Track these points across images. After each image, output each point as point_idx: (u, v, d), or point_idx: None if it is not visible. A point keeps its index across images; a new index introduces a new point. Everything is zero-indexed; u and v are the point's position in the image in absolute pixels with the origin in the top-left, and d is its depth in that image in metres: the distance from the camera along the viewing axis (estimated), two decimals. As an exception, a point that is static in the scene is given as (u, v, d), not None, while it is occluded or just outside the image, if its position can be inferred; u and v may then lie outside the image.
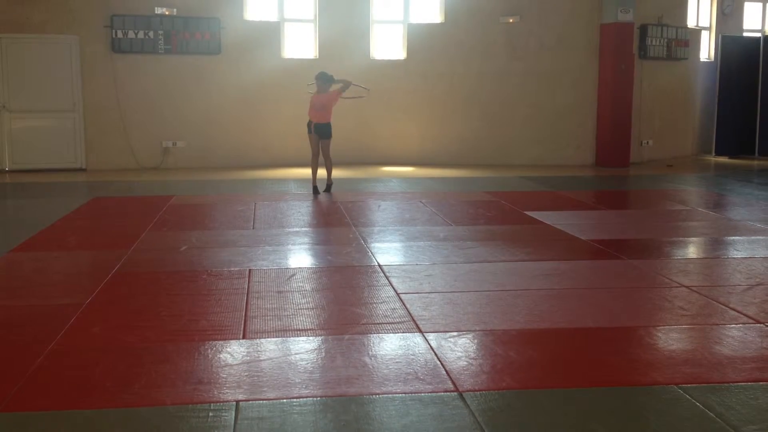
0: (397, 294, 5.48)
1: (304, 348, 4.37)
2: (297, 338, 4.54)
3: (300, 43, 14.29)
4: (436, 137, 14.44)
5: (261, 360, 4.18)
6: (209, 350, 4.32)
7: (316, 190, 10.51)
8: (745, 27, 16.79)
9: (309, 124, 10.47)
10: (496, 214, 9.13)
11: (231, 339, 4.51)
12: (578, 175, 13.11)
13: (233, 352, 4.31)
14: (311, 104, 10.47)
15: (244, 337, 4.54)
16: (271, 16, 14.04)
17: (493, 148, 14.47)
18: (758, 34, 16.44)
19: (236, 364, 4.11)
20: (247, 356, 4.24)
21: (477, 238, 7.56)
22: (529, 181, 12.13)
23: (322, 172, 10.67)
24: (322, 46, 14.14)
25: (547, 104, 14.43)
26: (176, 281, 5.87)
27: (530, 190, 11.31)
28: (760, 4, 16.92)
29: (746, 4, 16.78)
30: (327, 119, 10.43)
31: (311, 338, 4.54)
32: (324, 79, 10.45)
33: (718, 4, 16.46)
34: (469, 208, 9.53)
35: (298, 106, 13.91)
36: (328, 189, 10.61)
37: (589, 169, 14.02)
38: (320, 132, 10.40)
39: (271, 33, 14.00)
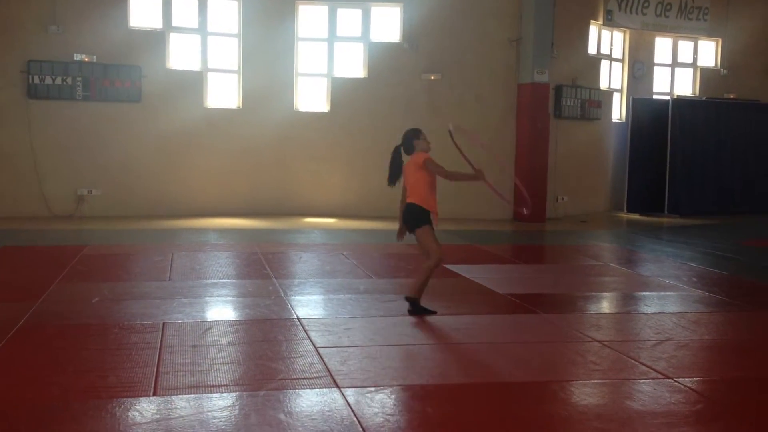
0: (316, 348, 5.42)
1: (218, 405, 4.26)
2: (210, 395, 4.42)
3: (223, 93, 14.25)
4: (358, 189, 14.51)
5: (171, 418, 4.05)
6: (117, 408, 4.16)
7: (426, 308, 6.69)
8: (654, 90, 17.61)
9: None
10: (417, 266, 9.16)
11: (141, 396, 4.36)
12: (496, 230, 13.33)
13: (142, 410, 4.16)
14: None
15: (154, 394, 4.40)
16: (194, 66, 13.98)
17: (415, 201, 14.60)
18: (667, 97, 17.21)
19: (145, 423, 3.97)
20: (156, 414, 4.10)
21: (397, 291, 7.58)
22: (448, 234, 12.26)
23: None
24: (246, 97, 14.15)
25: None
26: (85, 335, 5.67)
27: (449, 243, 11.42)
28: (669, 69, 17.79)
29: (656, 69, 17.61)
30: (418, 199, 7.08)
31: (225, 395, 4.43)
32: (408, 137, 7.20)
33: (629, 68, 17.24)
34: (390, 260, 9.56)
35: (220, 155, 13.92)
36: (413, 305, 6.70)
37: (507, 223, 14.28)
38: (407, 219, 6.98)
39: (193, 82, 13.93)
